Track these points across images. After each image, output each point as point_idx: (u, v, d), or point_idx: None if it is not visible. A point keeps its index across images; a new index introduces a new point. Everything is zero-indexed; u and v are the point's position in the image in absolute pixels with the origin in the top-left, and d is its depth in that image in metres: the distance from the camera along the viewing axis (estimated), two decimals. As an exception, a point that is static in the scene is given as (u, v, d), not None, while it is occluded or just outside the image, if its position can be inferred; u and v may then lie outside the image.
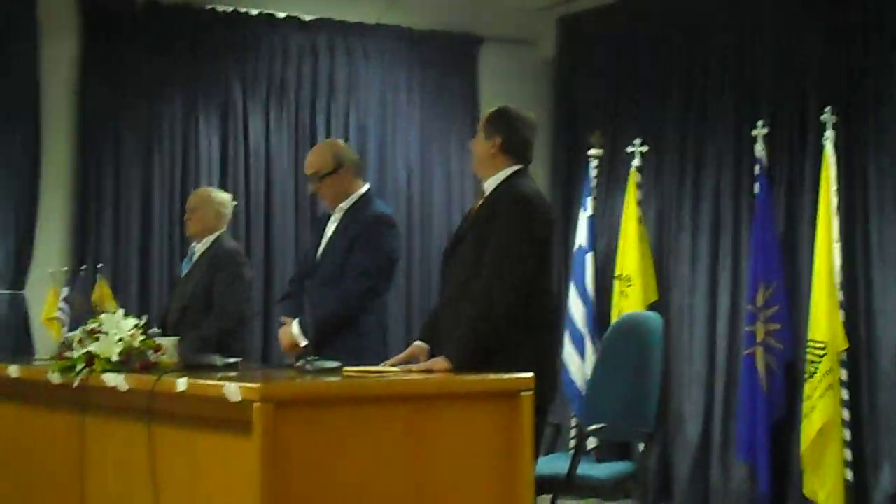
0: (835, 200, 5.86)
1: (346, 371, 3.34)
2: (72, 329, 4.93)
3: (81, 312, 5.93)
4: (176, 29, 7.17)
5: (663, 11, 7.25)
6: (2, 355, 5.69)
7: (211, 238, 5.28)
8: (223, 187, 6.60)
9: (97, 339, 3.46)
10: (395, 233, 4.55)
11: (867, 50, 6.12)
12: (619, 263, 6.91)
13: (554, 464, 4.16)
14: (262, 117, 7.37)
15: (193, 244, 5.38)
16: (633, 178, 6.96)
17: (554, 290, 3.98)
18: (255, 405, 2.73)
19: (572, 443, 6.48)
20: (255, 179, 7.30)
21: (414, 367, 3.71)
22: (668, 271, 6.99)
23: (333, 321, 4.25)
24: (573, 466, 4.04)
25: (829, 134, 5.93)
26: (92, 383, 3.40)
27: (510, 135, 3.86)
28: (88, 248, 6.86)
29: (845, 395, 5.79)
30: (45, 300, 6.55)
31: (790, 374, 6.14)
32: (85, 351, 3.45)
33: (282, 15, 7.45)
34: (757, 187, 6.29)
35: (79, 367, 3.44)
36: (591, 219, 7.16)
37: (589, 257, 7.10)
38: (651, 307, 6.53)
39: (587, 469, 4.26)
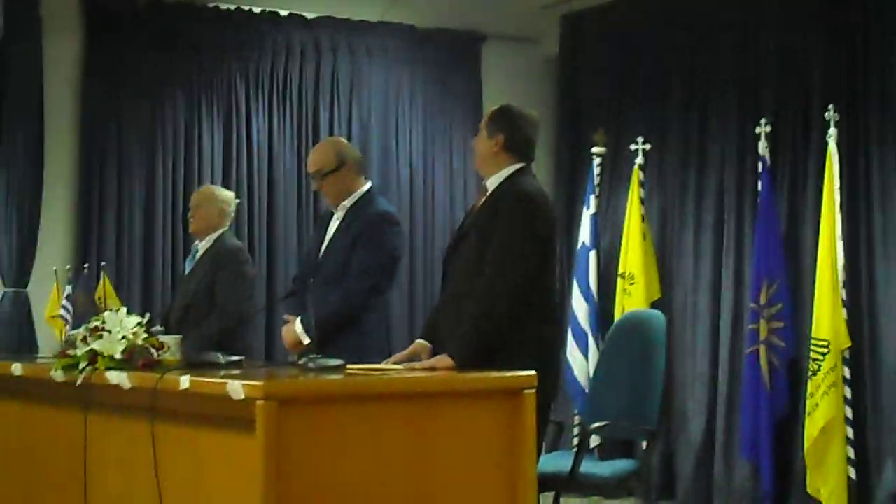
0: (838, 198, 5.85)
1: (349, 369, 3.34)
2: (75, 327, 4.94)
3: (84, 310, 5.94)
4: (178, 27, 7.17)
5: (666, 9, 7.24)
6: (5, 353, 5.71)
7: (214, 236, 5.28)
8: (226, 185, 6.62)
9: (100, 336, 3.46)
10: (398, 231, 4.54)
11: (870, 48, 6.11)
12: (622, 261, 6.90)
13: (557, 461, 4.15)
14: (265, 115, 7.37)
15: (196, 242, 5.38)
16: (637, 175, 6.96)
17: (556, 288, 3.98)
18: (258, 403, 2.73)
19: (575, 440, 6.47)
20: (258, 177, 7.30)
21: (416, 364, 3.71)
22: (671, 269, 6.99)
23: (336, 319, 4.24)
24: (576, 464, 4.04)
25: (833, 132, 5.92)
26: (95, 381, 3.40)
27: (513, 133, 3.85)
28: (91, 245, 6.87)
29: (848, 392, 5.78)
30: (49, 298, 6.55)
31: (793, 372, 6.13)
32: (88, 349, 3.45)
33: (285, 13, 7.45)
34: (760, 185, 6.28)
35: (82, 365, 3.44)
36: (595, 217, 7.15)
37: (592, 255, 7.09)
38: (654, 305, 6.53)
39: (590, 467, 4.26)
